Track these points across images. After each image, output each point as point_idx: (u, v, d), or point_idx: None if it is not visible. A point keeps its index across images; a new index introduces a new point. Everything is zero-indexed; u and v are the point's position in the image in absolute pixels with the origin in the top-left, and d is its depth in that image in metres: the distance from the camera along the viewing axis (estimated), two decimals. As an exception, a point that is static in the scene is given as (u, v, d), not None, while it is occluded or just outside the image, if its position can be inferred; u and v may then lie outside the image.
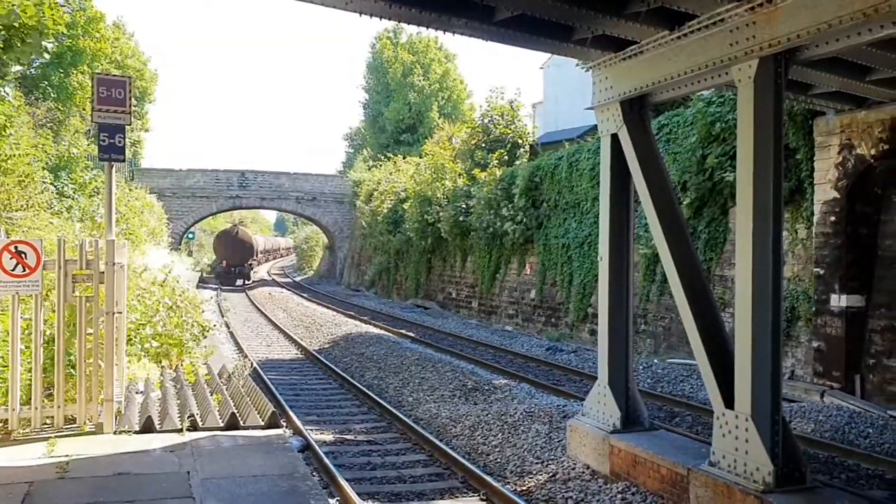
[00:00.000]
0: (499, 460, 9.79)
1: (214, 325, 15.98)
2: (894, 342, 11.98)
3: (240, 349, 20.30)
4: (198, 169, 49.31)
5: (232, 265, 51.12)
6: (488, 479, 8.61)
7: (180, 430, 8.52)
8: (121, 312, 8.91)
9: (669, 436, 8.99)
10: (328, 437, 11.11)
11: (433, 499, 8.44)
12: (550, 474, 9.02)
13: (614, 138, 8.96)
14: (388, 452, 10.34)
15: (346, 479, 8.48)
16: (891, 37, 6.52)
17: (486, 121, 33.48)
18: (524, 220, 25.12)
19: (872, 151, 11.92)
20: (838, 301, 12.62)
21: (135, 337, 12.19)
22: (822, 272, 12.95)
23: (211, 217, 59.14)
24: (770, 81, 6.90)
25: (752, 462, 6.83)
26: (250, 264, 55.03)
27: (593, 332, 19.91)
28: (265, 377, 15.44)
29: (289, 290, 45.74)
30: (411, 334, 22.79)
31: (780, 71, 6.89)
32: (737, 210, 7.39)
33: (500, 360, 18.48)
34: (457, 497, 8.47)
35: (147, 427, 8.55)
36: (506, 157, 30.34)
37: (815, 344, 13.15)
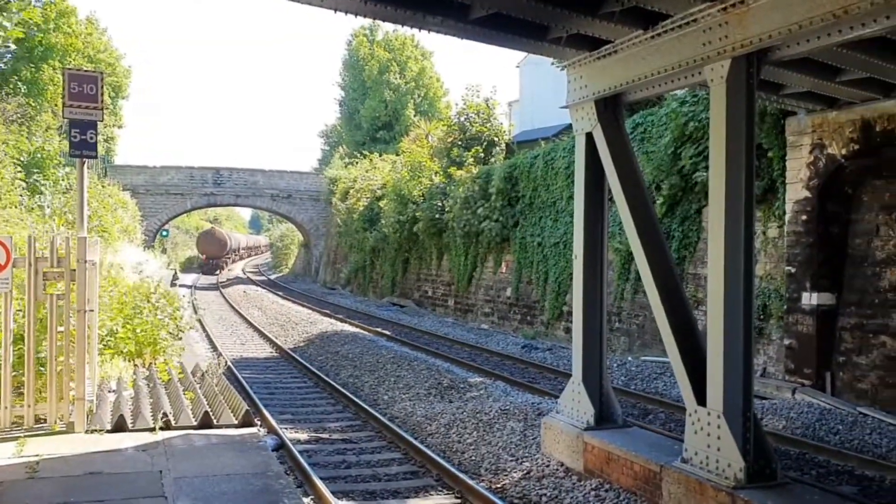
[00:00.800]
0: (474, 458, 9.81)
1: (188, 325, 15.85)
2: (863, 340, 12.15)
3: (214, 347, 20.17)
4: (172, 166, 48.92)
5: (210, 258, 63.37)
6: (463, 477, 8.62)
7: (153, 429, 8.46)
8: (92, 310, 8.82)
9: (642, 433, 9.05)
10: (303, 435, 11.07)
11: (408, 497, 8.44)
12: (525, 472, 9.05)
13: (589, 137, 9.00)
14: (364, 451, 10.32)
15: (321, 478, 8.45)
16: (860, 38, 6.60)
17: (462, 119, 33.51)
18: (500, 218, 25.16)
19: (843, 151, 12.07)
20: (809, 299, 12.77)
21: (108, 336, 12.07)
22: (793, 270, 13.10)
23: (185, 214, 58.88)
24: (742, 81, 6.96)
25: (724, 458, 6.89)
26: (225, 258, 67.40)
27: (568, 330, 19.99)
28: (239, 375, 15.35)
29: (264, 288, 45.48)
30: (387, 332, 22.77)
31: (753, 71, 6.96)
32: (709, 209, 7.45)
33: (476, 358, 18.52)
34: (431, 495, 8.47)
35: (119, 426, 8.47)
36: (482, 155, 30.38)
37: (786, 342, 13.30)
